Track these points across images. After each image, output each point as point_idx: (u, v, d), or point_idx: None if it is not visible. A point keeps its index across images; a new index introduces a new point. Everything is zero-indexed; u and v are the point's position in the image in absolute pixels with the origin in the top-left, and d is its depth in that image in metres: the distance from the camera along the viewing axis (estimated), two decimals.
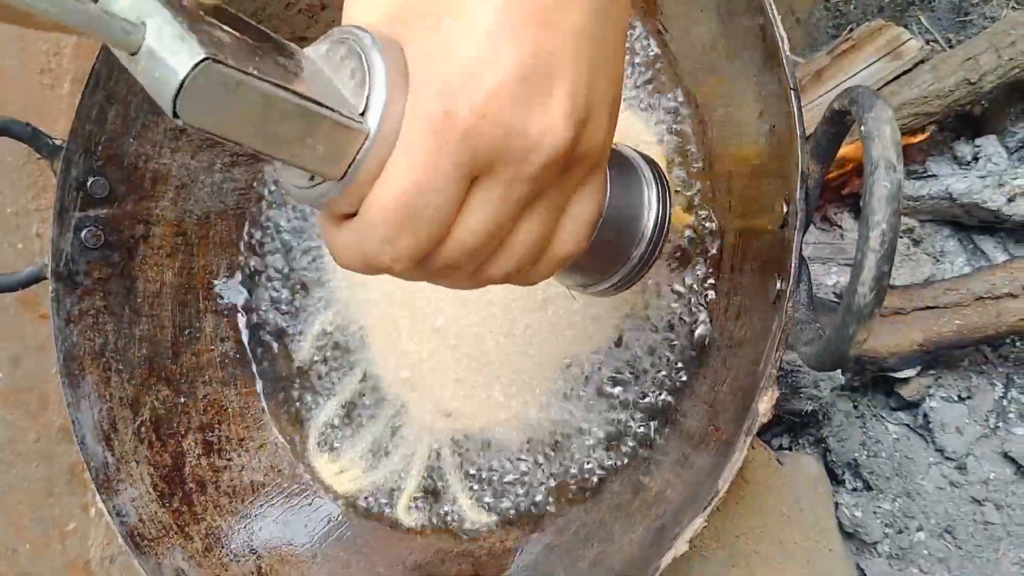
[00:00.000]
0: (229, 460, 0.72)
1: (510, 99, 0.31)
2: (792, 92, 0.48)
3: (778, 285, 0.49)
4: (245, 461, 0.73)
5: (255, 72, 0.29)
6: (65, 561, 0.92)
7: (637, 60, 0.68)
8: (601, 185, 0.38)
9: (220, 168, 0.76)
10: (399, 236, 0.32)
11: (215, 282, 0.77)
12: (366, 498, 0.71)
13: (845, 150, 0.82)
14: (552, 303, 0.68)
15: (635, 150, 0.50)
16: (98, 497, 0.64)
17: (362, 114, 0.32)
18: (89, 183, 0.70)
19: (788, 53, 0.49)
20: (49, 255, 0.69)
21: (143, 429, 0.69)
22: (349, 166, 0.32)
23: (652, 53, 0.67)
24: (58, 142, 0.72)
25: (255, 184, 0.77)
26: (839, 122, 0.45)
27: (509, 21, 0.31)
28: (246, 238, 0.77)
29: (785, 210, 0.49)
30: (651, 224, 0.48)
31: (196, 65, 0.28)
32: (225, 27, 0.30)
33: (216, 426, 0.73)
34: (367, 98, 0.32)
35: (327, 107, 0.31)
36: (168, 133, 0.73)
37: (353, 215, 0.33)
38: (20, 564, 0.91)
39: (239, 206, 0.77)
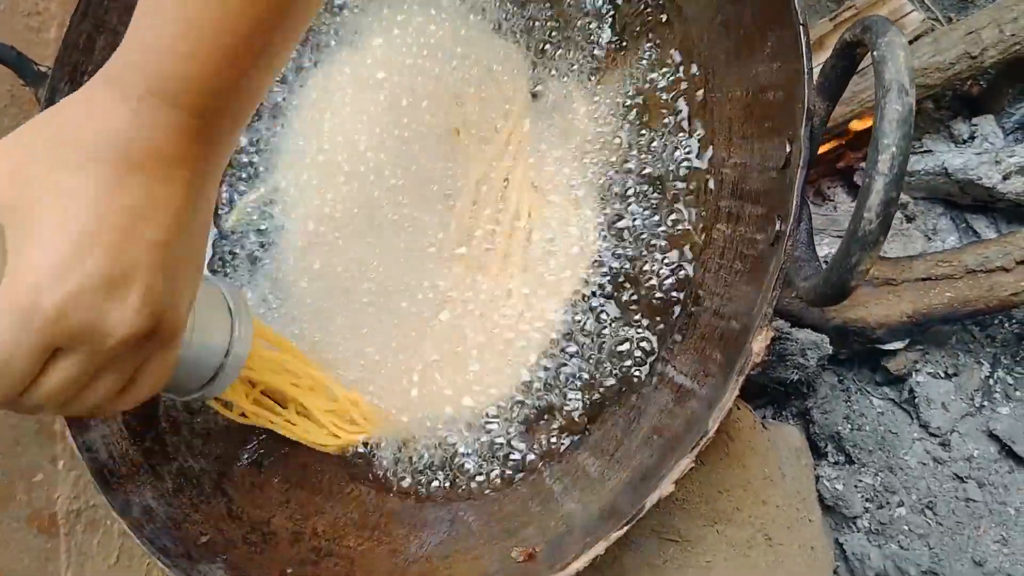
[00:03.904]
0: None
1: (91, 298, 0.38)
2: (801, 28, 0.47)
3: (777, 226, 0.48)
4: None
5: None
6: (30, 512, 0.90)
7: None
8: (175, 348, 0.45)
9: None
10: None
11: None
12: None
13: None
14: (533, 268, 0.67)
15: (224, 285, 0.57)
16: (68, 432, 0.62)
17: None
18: None
19: None
20: None
21: None
22: None
23: None
24: (44, 69, 0.70)
25: None
26: (849, 55, 0.44)
27: (96, 229, 0.37)
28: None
29: (788, 150, 0.48)
30: (232, 347, 0.55)
31: None
32: None
33: None
34: None
35: None
36: None
37: None
38: None
39: None
